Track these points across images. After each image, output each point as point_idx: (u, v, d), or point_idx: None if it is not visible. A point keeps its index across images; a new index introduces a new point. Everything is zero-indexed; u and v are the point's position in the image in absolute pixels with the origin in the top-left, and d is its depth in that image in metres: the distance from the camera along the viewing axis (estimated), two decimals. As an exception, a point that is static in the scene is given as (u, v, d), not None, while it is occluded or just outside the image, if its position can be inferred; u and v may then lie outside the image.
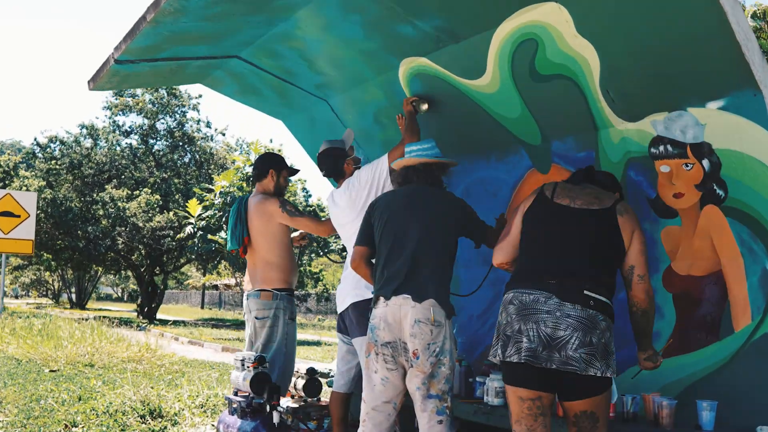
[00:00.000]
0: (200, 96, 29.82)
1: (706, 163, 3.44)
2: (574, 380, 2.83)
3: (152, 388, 7.18)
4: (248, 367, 4.34)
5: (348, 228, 4.26)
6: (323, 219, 4.91)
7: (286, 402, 4.94)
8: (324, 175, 4.67)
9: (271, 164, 4.96)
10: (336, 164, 4.49)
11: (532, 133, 4.27)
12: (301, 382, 4.98)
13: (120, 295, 65.16)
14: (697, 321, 3.52)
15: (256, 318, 4.73)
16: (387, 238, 3.57)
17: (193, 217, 17.11)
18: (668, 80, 3.45)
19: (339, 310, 4.29)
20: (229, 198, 14.32)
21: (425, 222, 3.51)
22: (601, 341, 2.82)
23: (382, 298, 3.46)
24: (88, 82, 5.51)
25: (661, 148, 3.61)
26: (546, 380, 2.88)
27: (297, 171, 5.10)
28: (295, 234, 5.14)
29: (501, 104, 4.25)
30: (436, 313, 3.34)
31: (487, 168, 4.71)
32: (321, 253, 28.33)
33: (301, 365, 5.15)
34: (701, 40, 3.17)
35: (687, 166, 3.52)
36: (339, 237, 4.84)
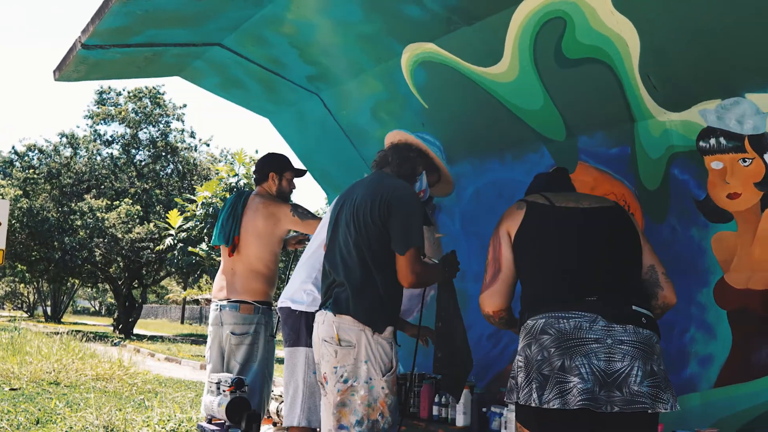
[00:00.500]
0: (185, 105, 29.44)
1: (768, 158, 2.95)
2: (633, 422, 2.27)
3: (119, 410, 6.57)
4: (224, 391, 3.77)
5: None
6: None
7: (266, 430, 4.37)
8: None
9: (271, 166, 4.41)
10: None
11: (556, 128, 3.75)
12: (282, 407, 4.41)
13: (97, 308, 64.03)
14: (758, 343, 2.99)
15: (233, 333, 4.16)
16: (331, 234, 3.16)
17: (173, 228, 16.54)
18: (723, 62, 2.96)
19: None
20: (211, 209, 13.74)
21: (356, 216, 2.99)
22: (661, 369, 2.30)
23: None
24: (54, 71, 4.94)
25: (713, 141, 3.11)
26: (596, 429, 2.31)
27: (304, 172, 4.54)
28: (291, 237, 4.61)
29: (519, 95, 3.73)
30: (344, 331, 2.86)
31: (502, 169, 4.18)
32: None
33: (280, 388, 4.58)
34: (765, 15, 2.68)
35: (744, 161, 3.01)
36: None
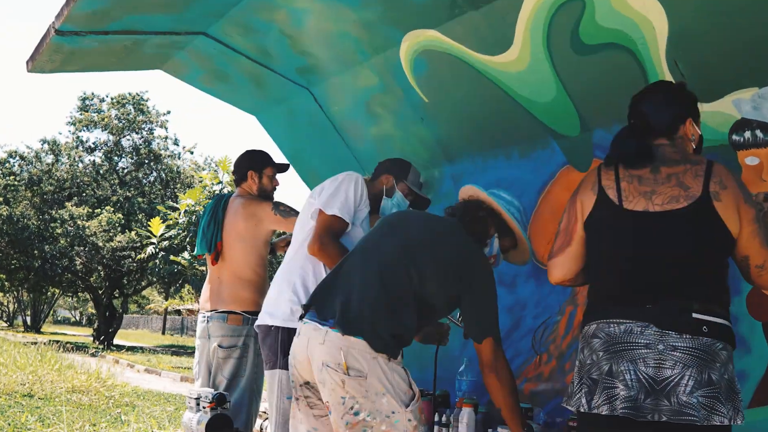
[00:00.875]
0: (169, 112, 29.24)
1: (811, 153, 2.67)
2: None
3: (93, 425, 6.19)
4: (204, 407, 3.43)
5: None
6: None
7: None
8: None
9: (249, 164, 4.06)
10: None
11: (569, 121, 3.46)
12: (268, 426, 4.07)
13: (78, 318, 63.20)
14: (800, 358, 2.70)
15: (220, 346, 3.83)
16: (372, 237, 2.72)
17: (155, 236, 16.19)
18: (761, 47, 2.68)
19: None
20: (194, 217, 13.40)
21: (419, 256, 2.58)
22: (723, 377, 2.03)
23: (300, 320, 2.62)
24: (27, 62, 4.60)
25: (747, 134, 2.82)
26: None
27: (286, 167, 4.19)
28: (279, 239, 4.27)
29: (530, 85, 3.45)
30: (353, 357, 2.39)
31: (508, 166, 3.88)
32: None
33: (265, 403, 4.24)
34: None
35: (784, 156, 2.74)
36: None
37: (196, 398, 3.49)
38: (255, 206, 3.90)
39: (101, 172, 27.55)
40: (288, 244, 4.22)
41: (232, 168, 4.13)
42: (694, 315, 2.05)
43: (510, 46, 3.35)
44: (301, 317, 2.61)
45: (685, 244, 2.14)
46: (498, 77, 3.52)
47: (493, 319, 2.64)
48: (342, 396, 2.40)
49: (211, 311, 3.88)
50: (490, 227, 2.81)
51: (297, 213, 3.79)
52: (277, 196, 4.16)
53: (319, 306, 2.56)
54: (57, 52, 4.25)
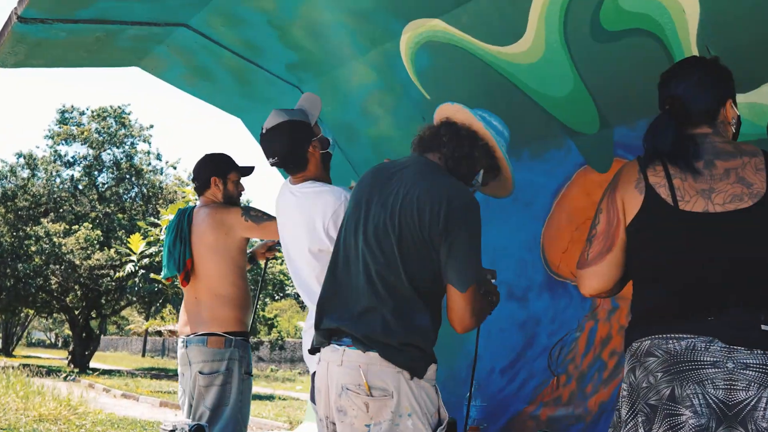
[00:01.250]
0: (152, 126, 28.63)
1: None
2: None
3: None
4: (181, 440, 3.06)
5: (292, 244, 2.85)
6: None
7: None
8: (274, 164, 2.81)
9: (212, 170, 3.70)
10: (294, 148, 2.74)
11: (587, 118, 3.17)
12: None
13: (54, 341, 61.91)
14: None
15: (201, 373, 3.44)
16: (343, 240, 2.26)
17: (135, 254, 15.79)
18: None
19: (311, 368, 2.65)
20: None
21: (398, 223, 2.12)
22: None
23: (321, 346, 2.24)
24: (-10, 56, 4.26)
25: (790, 127, 2.55)
26: None
27: (251, 169, 3.84)
28: (258, 246, 3.92)
29: (544, 78, 3.15)
30: (375, 375, 2.05)
31: (518, 168, 3.48)
32: (276, 297, 27.00)
33: (252, 430, 3.86)
34: None
35: (833, 150, 2.44)
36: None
37: (171, 430, 3.13)
38: (223, 214, 3.56)
39: (80, 187, 26.94)
40: (269, 249, 3.89)
41: (192, 177, 3.78)
42: (764, 327, 1.75)
43: (522, 35, 3.07)
44: (315, 350, 2.26)
45: (753, 249, 1.84)
46: (508, 70, 3.23)
47: (479, 264, 2.17)
48: (367, 424, 2.05)
49: (189, 335, 3.52)
50: (479, 165, 2.31)
51: (271, 218, 3.46)
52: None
53: (326, 324, 2.20)
54: (20, 42, 3.89)
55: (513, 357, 3.51)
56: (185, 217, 3.65)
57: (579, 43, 2.94)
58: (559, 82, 3.11)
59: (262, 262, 4.04)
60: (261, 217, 3.51)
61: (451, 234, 2.07)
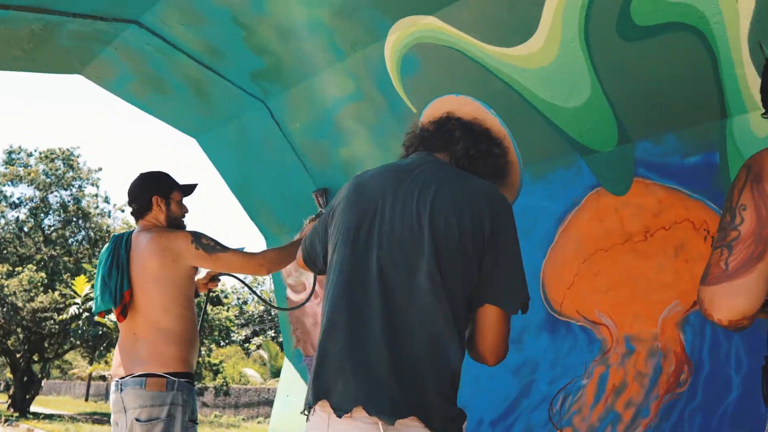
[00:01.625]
0: (100, 169, 28.13)
1: None
2: None
3: None
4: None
5: None
6: (258, 253, 3.12)
7: None
8: None
9: (153, 189, 3.18)
10: None
11: (604, 132, 2.72)
12: None
13: (-6, 386, 59.52)
14: None
15: (138, 420, 2.88)
16: (343, 271, 1.69)
17: (79, 296, 15.11)
18: None
19: None
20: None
21: (433, 233, 1.61)
22: None
23: (327, 411, 1.59)
24: None
25: None
26: None
27: (194, 188, 3.35)
28: (200, 276, 3.37)
29: (556, 85, 2.71)
30: None
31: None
32: (222, 343, 26.26)
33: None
34: None
35: None
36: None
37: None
38: (169, 239, 3.03)
39: (25, 229, 26.41)
40: (212, 279, 3.39)
41: (128, 200, 3.25)
42: None
43: (533, 34, 2.63)
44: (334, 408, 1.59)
45: None
46: (512, 76, 2.78)
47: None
48: None
49: (125, 377, 2.94)
50: (497, 167, 1.88)
51: (225, 248, 2.99)
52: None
53: (325, 378, 1.61)
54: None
55: (506, 407, 2.99)
56: (122, 243, 3.11)
57: (602, 42, 2.50)
58: (574, 90, 2.66)
59: (203, 294, 3.51)
60: (213, 247, 3.00)
61: (499, 240, 1.61)
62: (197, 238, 3.02)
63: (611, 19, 2.43)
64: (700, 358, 2.48)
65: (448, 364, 1.56)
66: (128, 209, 3.27)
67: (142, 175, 3.27)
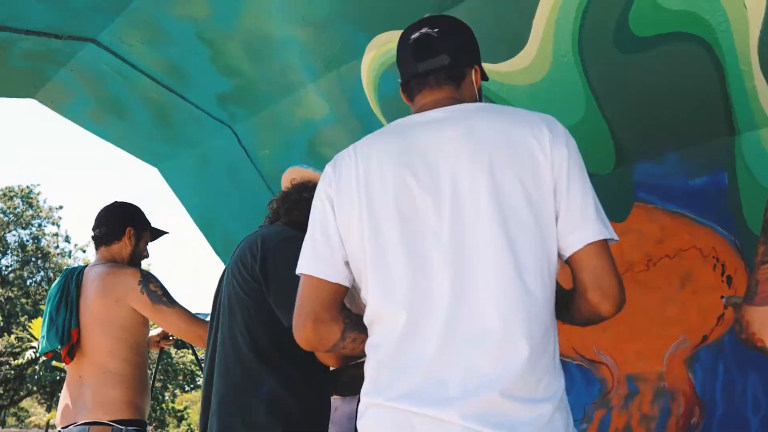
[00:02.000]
0: (61, 207, 27.76)
1: None
2: None
3: None
4: None
5: None
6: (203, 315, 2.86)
7: None
8: None
9: (129, 221, 2.97)
10: None
11: (601, 153, 2.53)
12: None
13: (-54, 434, 57.49)
14: None
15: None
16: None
17: (36, 339, 14.59)
18: None
19: None
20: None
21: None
22: None
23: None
24: None
25: None
26: None
27: (163, 233, 3.13)
28: (153, 333, 3.11)
29: (547, 103, 2.52)
30: None
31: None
32: (187, 389, 25.63)
33: None
34: None
35: None
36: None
37: None
38: (117, 276, 2.78)
39: (-20, 269, 25.73)
40: (164, 338, 3.15)
41: (95, 223, 3.00)
42: None
43: (523, 47, 2.45)
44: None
45: None
46: (499, 94, 2.59)
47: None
48: None
49: (68, 426, 2.66)
50: None
51: (173, 303, 2.75)
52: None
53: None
54: None
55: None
56: (73, 277, 2.84)
57: (598, 55, 2.33)
58: (567, 108, 2.48)
59: (154, 352, 3.25)
60: (160, 297, 2.75)
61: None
62: (146, 280, 2.76)
63: (608, 30, 2.26)
64: (712, 398, 2.26)
65: None
66: (90, 249, 3.03)
67: (119, 202, 3.05)
